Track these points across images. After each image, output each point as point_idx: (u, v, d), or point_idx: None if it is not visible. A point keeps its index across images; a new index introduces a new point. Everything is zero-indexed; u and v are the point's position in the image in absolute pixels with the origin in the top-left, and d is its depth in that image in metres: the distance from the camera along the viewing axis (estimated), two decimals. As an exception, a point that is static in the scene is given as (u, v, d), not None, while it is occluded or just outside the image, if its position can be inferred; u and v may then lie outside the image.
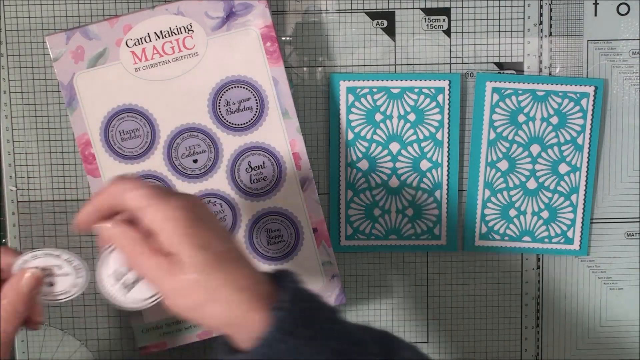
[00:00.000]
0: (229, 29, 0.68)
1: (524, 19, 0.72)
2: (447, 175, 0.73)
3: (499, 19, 0.72)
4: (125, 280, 0.57)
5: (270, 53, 0.69)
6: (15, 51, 0.72)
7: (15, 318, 0.57)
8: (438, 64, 0.72)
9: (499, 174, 0.73)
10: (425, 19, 0.72)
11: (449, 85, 0.71)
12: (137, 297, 0.58)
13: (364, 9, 0.72)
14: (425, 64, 0.72)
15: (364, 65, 0.72)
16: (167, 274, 0.52)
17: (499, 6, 0.72)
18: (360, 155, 0.73)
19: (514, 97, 0.72)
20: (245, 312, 0.52)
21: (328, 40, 0.72)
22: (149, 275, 0.54)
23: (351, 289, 0.74)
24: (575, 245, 0.73)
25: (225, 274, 0.53)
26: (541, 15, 0.72)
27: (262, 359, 0.51)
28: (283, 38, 0.72)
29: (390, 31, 0.72)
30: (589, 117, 0.72)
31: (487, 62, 0.72)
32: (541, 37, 0.72)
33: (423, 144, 0.72)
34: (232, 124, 0.69)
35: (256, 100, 0.69)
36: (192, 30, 0.68)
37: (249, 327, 0.52)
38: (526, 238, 0.74)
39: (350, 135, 0.72)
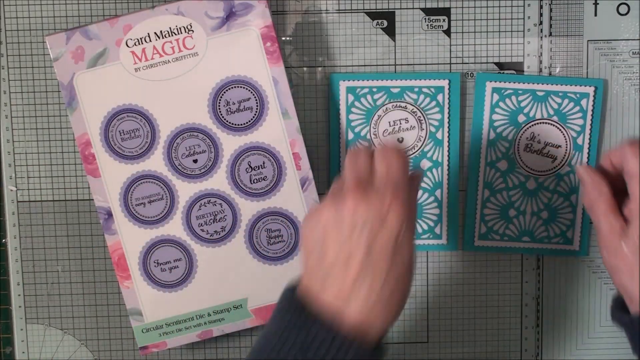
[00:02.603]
0: (229, 29, 0.68)
1: (524, 19, 0.72)
2: (447, 175, 0.72)
3: (499, 19, 0.72)
4: None
5: (270, 53, 0.69)
6: (15, 51, 0.72)
7: None
8: (438, 64, 0.72)
9: (498, 174, 0.73)
10: (425, 19, 0.72)
11: (448, 84, 0.71)
12: None
13: (364, 9, 0.72)
14: (425, 64, 0.72)
15: (364, 65, 0.72)
16: (618, 237, 0.61)
17: (499, 6, 0.72)
18: (360, 155, 0.72)
19: (514, 97, 0.72)
20: None
21: (328, 40, 0.72)
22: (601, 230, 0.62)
23: (351, 289, 0.74)
24: (575, 246, 0.73)
25: None
26: (541, 15, 0.72)
27: None
28: (283, 38, 0.72)
29: (390, 31, 0.72)
30: (589, 117, 0.72)
31: (487, 62, 0.72)
32: (541, 37, 0.72)
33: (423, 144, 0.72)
34: (232, 124, 0.69)
35: (256, 100, 0.69)
36: (192, 30, 0.68)
37: None
38: (526, 238, 0.73)
39: (350, 135, 0.72)
